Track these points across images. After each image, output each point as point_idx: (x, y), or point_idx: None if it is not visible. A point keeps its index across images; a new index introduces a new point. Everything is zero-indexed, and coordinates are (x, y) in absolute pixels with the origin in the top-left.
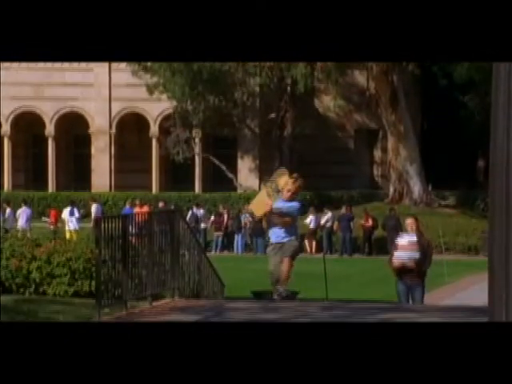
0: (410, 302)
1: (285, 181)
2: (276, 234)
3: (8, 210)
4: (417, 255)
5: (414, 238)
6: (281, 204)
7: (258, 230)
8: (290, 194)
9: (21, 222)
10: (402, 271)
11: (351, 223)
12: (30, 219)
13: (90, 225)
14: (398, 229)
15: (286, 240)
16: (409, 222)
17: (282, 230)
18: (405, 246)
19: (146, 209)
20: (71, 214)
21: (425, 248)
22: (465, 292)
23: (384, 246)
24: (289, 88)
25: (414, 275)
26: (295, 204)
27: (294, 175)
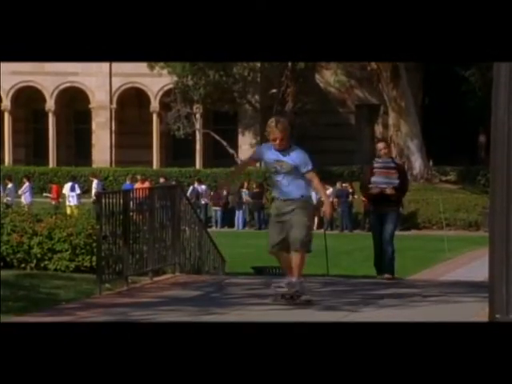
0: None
1: (268, 132)
2: (280, 189)
3: (10, 185)
4: (396, 181)
5: (391, 163)
6: (273, 156)
7: (258, 205)
8: (277, 141)
9: (27, 198)
10: (378, 199)
11: (348, 199)
12: (32, 195)
13: (91, 200)
14: (399, 205)
15: (297, 196)
16: (381, 146)
17: (290, 183)
18: (382, 171)
19: (147, 184)
20: (72, 189)
21: (401, 174)
22: (465, 267)
23: None
24: (290, 63)
25: (391, 203)
26: (295, 154)
27: (272, 119)
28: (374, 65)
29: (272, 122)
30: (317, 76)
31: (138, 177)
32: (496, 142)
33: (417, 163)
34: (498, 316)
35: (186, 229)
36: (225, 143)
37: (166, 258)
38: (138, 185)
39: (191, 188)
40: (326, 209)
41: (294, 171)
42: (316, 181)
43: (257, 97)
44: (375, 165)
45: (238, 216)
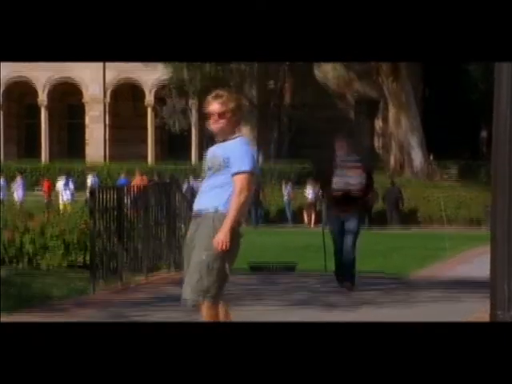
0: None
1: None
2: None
3: (1, 181)
4: (359, 180)
5: (357, 161)
6: (211, 151)
7: (254, 201)
8: (213, 119)
9: (19, 195)
10: (338, 198)
11: None
12: (24, 191)
13: (84, 197)
14: (400, 202)
15: (208, 210)
16: (338, 141)
17: (210, 188)
18: (344, 169)
19: (146, 179)
20: (66, 185)
21: (365, 172)
22: (467, 265)
23: (384, 219)
24: None
25: (353, 204)
26: (231, 146)
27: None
28: None
29: (212, 93)
30: (315, 70)
31: (137, 171)
32: (497, 137)
33: (417, 158)
34: (499, 313)
35: (182, 226)
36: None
37: (161, 255)
38: (137, 180)
39: (186, 184)
40: (217, 236)
41: (224, 170)
42: (238, 187)
43: (254, 91)
44: (337, 162)
45: None
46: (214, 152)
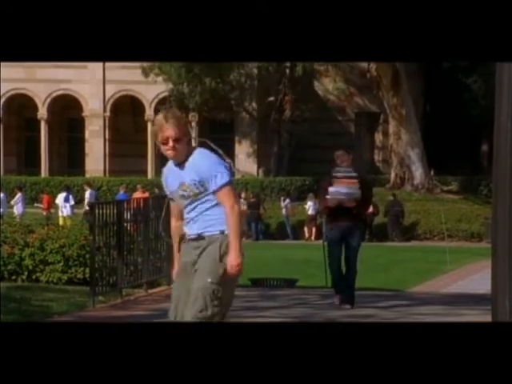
0: (343, 251)
1: (156, 131)
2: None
3: (1, 195)
4: (357, 192)
5: (352, 173)
6: (175, 177)
7: (255, 215)
8: (169, 144)
9: (19, 209)
10: (337, 211)
11: None
12: (24, 205)
13: (83, 211)
14: (400, 215)
15: (212, 232)
16: (339, 153)
17: (203, 216)
18: (342, 181)
19: (147, 194)
20: (66, 200)
21: (363, 185)
22: (467, 279)
23: (385, 233)
24: (287, 70)
25: (351, 217)
26: (194, 164)
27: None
28: (374, 72)
29: (160, 114)
30: (316, 83)
31: (138, 186)
32: (498, 151)
33: (417, 173)
34: None
35: None
36: (221, 152)
37: (160, 269)
38: (138, 194)
39: None
40: (229, 260)
41: (203, 193)
42: (227, 204)
43: (254, 105)
44: (334, 174)
45: None
46: (180, 177)
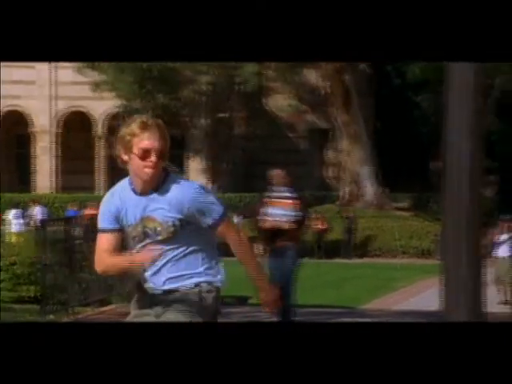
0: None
1: (128, 143)
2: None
3: None
4: (292, 213)
5: (288, 194)
6: (137, 208)
7: None
8: (152, 162)
9: None
10: (272, 234)
11: None
12: None
13: (29, 228)
14: (352, 232)
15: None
16: (274, 174)
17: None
18: (277, 202)
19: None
20: (16, 216)
21: (300, 207)
22: (418, 296)
23: (336, 249)
24: (239, 87)
25: (286, 239)
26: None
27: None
28: (327, 89)
29: (138, 120)
30: (267, 100)
31: (88, 203)
32: (447, 168)
33: (368, 189)
34: None
35: None
36: (173, 168)
37: (112, 287)
38: (89, 211)
39: None
40: (266, 299)
41: (185, 228)
42: (236, 230)
43: (205, 121)
44: (269, 194)
45: None
46: (146, 210)
